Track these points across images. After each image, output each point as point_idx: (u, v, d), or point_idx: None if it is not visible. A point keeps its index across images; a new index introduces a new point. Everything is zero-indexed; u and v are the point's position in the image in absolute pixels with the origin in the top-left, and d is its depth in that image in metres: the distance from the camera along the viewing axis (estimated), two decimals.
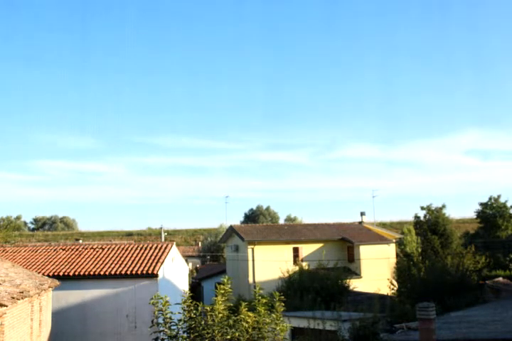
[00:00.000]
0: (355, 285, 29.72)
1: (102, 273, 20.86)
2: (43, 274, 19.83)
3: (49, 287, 17.13)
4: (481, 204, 44.54)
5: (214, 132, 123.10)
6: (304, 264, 32.93)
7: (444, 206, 41.15)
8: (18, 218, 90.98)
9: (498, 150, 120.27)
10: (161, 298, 10.45)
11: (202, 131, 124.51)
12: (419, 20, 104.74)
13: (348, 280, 28.81)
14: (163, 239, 50.35)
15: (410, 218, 49.94)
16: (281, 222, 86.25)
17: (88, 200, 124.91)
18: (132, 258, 22.33)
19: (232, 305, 10.71)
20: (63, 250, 23.83)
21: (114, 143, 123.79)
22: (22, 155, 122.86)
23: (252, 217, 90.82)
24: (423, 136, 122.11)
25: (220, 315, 10.22)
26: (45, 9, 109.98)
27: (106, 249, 23.71)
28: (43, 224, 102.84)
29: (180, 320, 10.35)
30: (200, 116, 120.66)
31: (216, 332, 9.90)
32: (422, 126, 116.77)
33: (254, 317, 10.34)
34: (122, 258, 22.38)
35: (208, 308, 10.38)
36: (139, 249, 23.72)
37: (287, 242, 35.85)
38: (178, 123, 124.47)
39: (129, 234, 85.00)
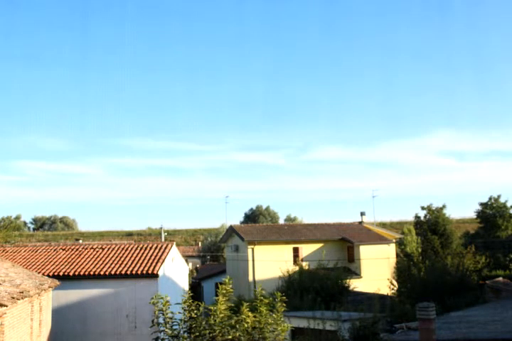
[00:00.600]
0: (355, 285, 29.72)
1: (102, 273, 20.86)
2: (43, 274, 19.83)
3: (49, 287, 17.12)
4: (481, 204, 44.55)
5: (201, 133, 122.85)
6: (304, 264, 32.96)
7: (444, 206, 41.17)
8: (17, 218, 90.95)
9: (471, 152, 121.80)
10: (162, 298, 10.44)
11: (181, 132, 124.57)
12: (420, 20, 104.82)
13: (348, 280, 28.82)
14: (163, 239, 50.37)
15: (410, 218, 50.07)
16: (281, 222, 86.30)
17: (75, 201, 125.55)
18: (132, 258, 22.32)
19: (233, 305, 10.71)
20: (63, 250, 23.83)
21: (88, 144, 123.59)
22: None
23: (252, 217, 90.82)
24: (395, 137, 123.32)
25: (222, 315, 10.22)
26: (45, 7, 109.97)
27: (106, 249, 23.71)
28: (42, 224, 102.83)
29: (181, 320, 10.34)
30: (194, 115, 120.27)
31: (217, 332, 9.90)
32: (393, 126, 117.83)
33: (255, 316, 10.33)
34: (122, 258, 22.37)
35: (211, 308, 10.38)
36: (139, 249, 23.71)
37: (287, 242, 35.86)
38: (157, 124, 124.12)
39: (129, 234, 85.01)
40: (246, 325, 10.14)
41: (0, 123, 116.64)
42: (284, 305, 10.99)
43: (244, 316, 10.27)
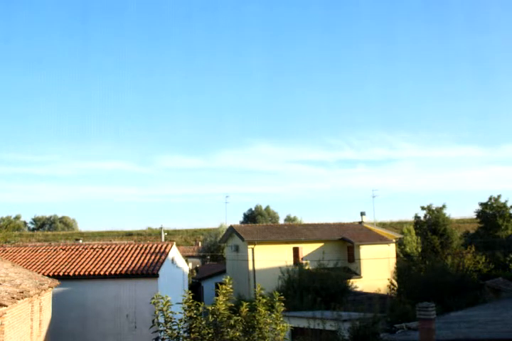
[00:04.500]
0: (355, 285, 29.73)
1: (102, 273, 20.85)
2: (43, 274, 19.82)
3: (49, 287, 17.12)
4: (481, 204, 44.52)
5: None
6: (305, 262, 32.97)
7: (444, 206, 41.23)
8: (17, 218, 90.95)
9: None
10: (162, 298, 10.45)
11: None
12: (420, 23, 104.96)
13: (348, 280, 28.80)
14: (163, 239, 50.34)
15: (410, 218, 50.09)
16: (281, 222, 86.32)
17: None
18: (132, 258, 22.32)
19: (233, 305, 10.71)
20: (63, 250, 23.83)
21: None
22: None
23: (252, 217, 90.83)
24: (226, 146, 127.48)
25: (221, 315, 10.22)
26: (45, 10, 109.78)
27: (106, 249, 23.70)
28: (42, 224, 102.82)
29: (180, 320, 10.35)
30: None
31: (217, 331, 9.91)
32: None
33: (254, 316, 10.34)
34: (122, 258, 22.37)
35: (209, 308, 10.39)
36: (139, 248, 23.71)
37: (287, 242, 35.84)
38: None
39: (129, 234, 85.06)
40: (245, 324, 10.15)
41: None
42: (283, 304, 10.99)
43: (241, 317, 10.28)
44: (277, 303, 10.81)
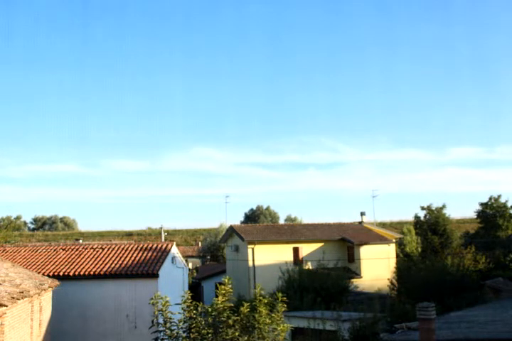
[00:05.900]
0: (355, 285, 29.73)
1: (102, 273, 20.86)
2: (43, 274, 19.83)
3: (49, 287, 17.12)
4: (481, 204, 44.54)
5: None
6: (305, 262, 32.97)
7: (444, 206, 41.25)
8: (18, 218, 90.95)
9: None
10: (161, 298, 10.45)
11: None
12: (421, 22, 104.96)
13: (348, 280, 28.80)
14: (163, 239, 50.37)
15: (410, 218, 50.06)
16: (281, 222, 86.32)
17: None
18: (132, 258, 22.32)
19: (232, 305, 10.70)
20: (63, 250, 23.83)
21: None
22: None
23: (253, 217, 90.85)
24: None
25: (220, 315, 10.22)
26: (45, 10, 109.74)
27: (106, 249, 23.70)
28: (42, 224, 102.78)
29: (180, 320, 10.35)
30: None
31: (216, 331, 9.91)
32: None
33: (253, 316, 10.34)
34: (122, 258, 22.37)
35: (208, 308, 10.39)
36: (139, 249, 23.71)
37: (287, 242, 35.84)
38: None
39: (129, 234, 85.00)
40: (245, 324, 10.16)
41: None
42: (285, 305, 10.99)
43: (241, 317, 10.29)
44: (279, 304, 10.81)
